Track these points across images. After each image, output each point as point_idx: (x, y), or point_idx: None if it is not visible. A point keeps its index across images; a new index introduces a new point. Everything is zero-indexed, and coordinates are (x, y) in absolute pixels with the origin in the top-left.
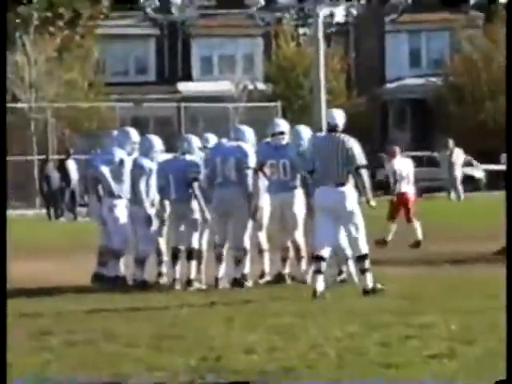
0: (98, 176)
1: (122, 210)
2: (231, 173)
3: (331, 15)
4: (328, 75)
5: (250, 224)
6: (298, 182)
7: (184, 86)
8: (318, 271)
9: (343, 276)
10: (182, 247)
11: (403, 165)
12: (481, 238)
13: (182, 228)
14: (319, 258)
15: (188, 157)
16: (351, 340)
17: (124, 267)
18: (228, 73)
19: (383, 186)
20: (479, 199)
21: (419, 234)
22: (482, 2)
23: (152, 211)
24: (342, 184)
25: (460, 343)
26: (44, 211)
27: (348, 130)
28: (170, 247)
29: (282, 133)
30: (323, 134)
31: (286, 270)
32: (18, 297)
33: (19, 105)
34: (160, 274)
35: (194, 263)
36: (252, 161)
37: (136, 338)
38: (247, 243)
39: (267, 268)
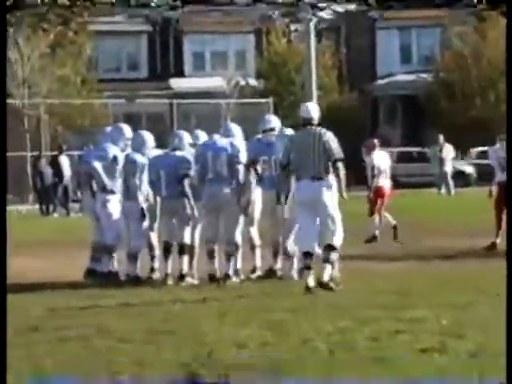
0: (91, 172)
1: (115, 206)
2: (223, 168)
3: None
4: (319, 71)
5: (242, 219)
6: None
7: (176, 83)
8: (307, 267)
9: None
10: (174, 242)
11: (381, 159)
12: (471, 233)
13: (174, 223)
14: (307, 254)
15: (179, 153)
16: (342, 335)
17: (117, 263)
18: (220, 69)
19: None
20: (470, 194)
21: (378, 230)
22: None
23: (145, 206)
24: (320, 178)
25: (451, 337)
26: (37, 207)
27: (339, 125)
28: (162, 242)
29: (272, 129)
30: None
31: (278, 266)
32: (10, 292)
33: (12, 101)
34: (153, 270)
35: (185, 258)
36: (243, 156)
37: (129, 334)
38: (239, 238)
39: (259, 263)
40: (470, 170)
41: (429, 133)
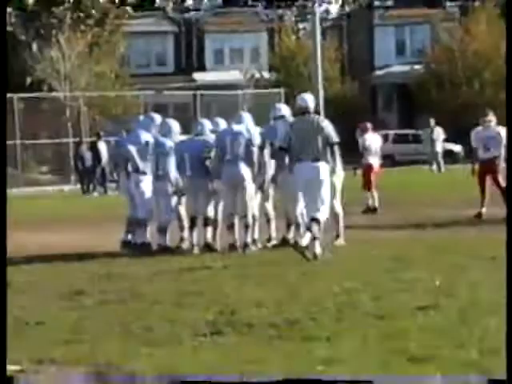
0: (126, 155)
1: (147, 185)
2: (239, 151)
3: (327, 12)
4: (324, 64)
5: (258, 195)
6: None
7: (199, 76)
8: (314, 237)
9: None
10: (199, 216)
11: (373, 140)
12: (460, 204)
13: (199, 199)
14: (313, 220)
15: (201, 138)
16: (348, 295)
17: (149, 235)
18: (237, 63)
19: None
20: (458, 170)
21: (376, 203)
22: None
23: (173, 185)
24: (317, 159)
25: (444, 296)
26: (78, 186)
27: (342, 111)
28: (189, 216)
29: (282, 116)
30: (297, 117)
31: (290, 235)
32: (57, 261)
33: (55, 94)
34: (182, 239)
35: (209, 229)
36: (257, 140)
37: (160, 296)
38: (256, 212)
39: (274, 233)
40: (457, 149)
41: (421, 117)
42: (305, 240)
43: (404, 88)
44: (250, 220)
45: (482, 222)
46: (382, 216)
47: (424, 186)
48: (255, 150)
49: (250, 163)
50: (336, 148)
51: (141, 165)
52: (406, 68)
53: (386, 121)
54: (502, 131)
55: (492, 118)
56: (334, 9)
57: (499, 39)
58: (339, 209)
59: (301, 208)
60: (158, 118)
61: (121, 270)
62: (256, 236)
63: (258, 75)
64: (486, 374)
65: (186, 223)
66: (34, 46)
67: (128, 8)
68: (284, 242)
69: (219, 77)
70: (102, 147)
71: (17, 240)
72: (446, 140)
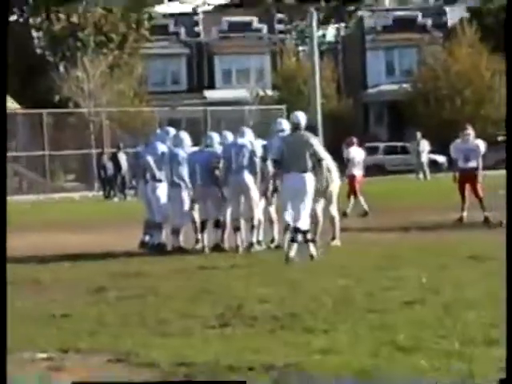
0: (145, 165)
1: (162, 191)
2: (244, 161)
3: (323, 36)
4: (322, 83)
5: (262, 201)
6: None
7: (209, 94)
8: (293, 240)
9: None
10: (209, 220)
11: (357, 153)
12: (444, 210)
13: (208, 205)
14: (296, 229)
15: (210, 150)
16: (343, 291)
17: (164, 236)
18: (243, 82)
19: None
20: (442, 179)
21: (365, 207)
22: (440, 23)
23: (185, 192)
24: (305, 171)
25: (429, 292)
26: (101, 193)
27: (338, 125)
28: (200, 220)
29: (283, 130)
30: (289, 132)
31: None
32: (80, 260)
33: (80, 110)
34: (197, 241)
35: (219, 232)
36: (259, 152)
37: (174, 292)
38: (260, 215)
39: (276, 235)
40: (441, 159)
41: (409, 131)
42: (292, 252)
43: (393, 105)
44: (255, 222)
45: (463, 225)
46: (374, 219)
47: (411, 193)
48: (257, 160)
49: (253, 172)
50: (323, 163)
51: (157, 173)
52: (395, 87)
53: (377, 134)
54: (480, 144)
55: (471, 131)
56: (331, 33)
57: (479, 61)
58: (335, 213)
59: (289, 214)
60: (172, 131)
61: (139, 269)
62: (261, 237)
63: (262, 93)
64: (467, 362)
65: (198, 226)
66: (61, 67)
67: (146, 32)
68: None
69: (227, 94)
70: (122, 157)
71: (40, 241)
72: (432, 151)
